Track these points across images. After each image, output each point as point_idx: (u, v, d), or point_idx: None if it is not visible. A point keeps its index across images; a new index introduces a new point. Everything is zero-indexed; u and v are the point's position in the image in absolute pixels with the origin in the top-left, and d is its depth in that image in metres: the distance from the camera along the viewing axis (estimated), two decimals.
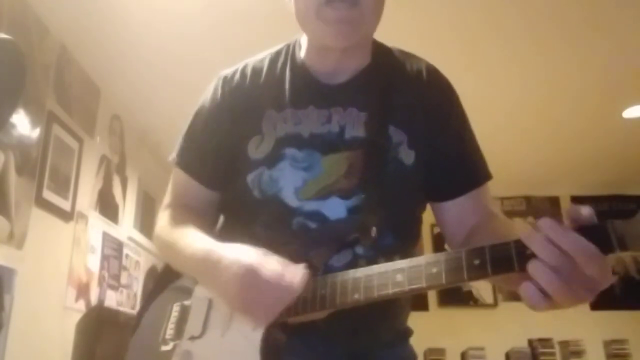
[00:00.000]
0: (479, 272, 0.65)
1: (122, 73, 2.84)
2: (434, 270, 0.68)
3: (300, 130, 0.92)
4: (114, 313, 2.91)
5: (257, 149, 0.93)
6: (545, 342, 4.15)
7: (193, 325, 0.89)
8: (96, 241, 2.82)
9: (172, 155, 1.03)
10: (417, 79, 0.96)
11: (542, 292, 0.59)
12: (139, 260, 3.49)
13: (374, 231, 0.84)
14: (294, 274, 0.76)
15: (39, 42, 2.29)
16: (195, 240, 0.89)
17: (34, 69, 2.24)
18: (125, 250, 3.23)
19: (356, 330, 0.87)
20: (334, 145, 0.90)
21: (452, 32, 2.57)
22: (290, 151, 0.90)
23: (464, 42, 2.64)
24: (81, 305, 2.58)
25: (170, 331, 0.92)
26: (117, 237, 3.10)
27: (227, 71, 1.02)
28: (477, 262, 0.65)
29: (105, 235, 2.93)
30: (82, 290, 2.61)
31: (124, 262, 3.20)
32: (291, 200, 0.88)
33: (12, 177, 2.06)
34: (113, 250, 3.04)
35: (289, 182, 0.89)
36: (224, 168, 0.96)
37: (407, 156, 0.90)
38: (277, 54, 1.01)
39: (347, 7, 0.84)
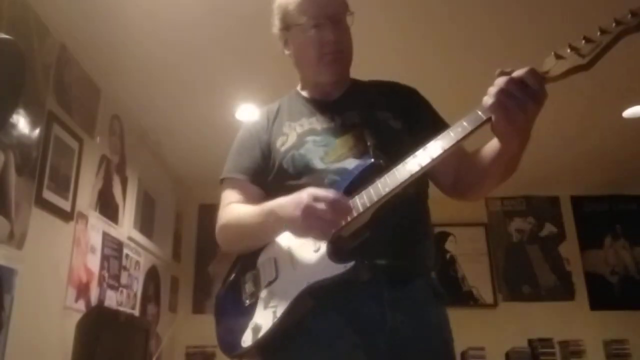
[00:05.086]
0: (464, 133, 0.97)
1: (122, 73, 2.84)
2: (438, 142, 0.99)
3: (314, 126, 1.25)
4: (114, 313, 2.91)
5: (285, 144, 1.23)
6: (545, 342, 4.13)
7: (266, 275, 1.12)
8: (96, 241, 2.82)
9: (223, 174, 1.31)
10: (385, 84, 1.36)
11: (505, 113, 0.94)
12: (139, 260, 3.49)
13: (384, 162, 1.09)
14: (341, 195, 1.03)
15: (39, 42, 2.29)
16: (258, 206, 1.16)
17: (34, 69, 2.24)
18: (125, 250, 3.23)
19: (393, 253, 1.09)
20: (341, 131, 1.22)
21: (458, 46, 2.57)
22: (310, 137, 1.22)
23: (466, 47, 2.65)
24: (81, 305, 2.58)
25: (249, 289, 1.14)
26: (117, 237, 3.10)
27: (252, 118, 1.37)
28: (459, 128, 0.98)
29: (105, 235, 2.93)
30: (82, 290, 2.61)
31: (124, 262, 3.20)
32: (319, 164, 1.16)
33: (12, 177, 2.06)
34: (113, 250, 3.04)
35: (314, 154, 1.18)
36: (264, 167, 1.26)
37: (396, 124, 1.23)
38: (283, 98, 1.37)
39: (338, 52, 1.25)
